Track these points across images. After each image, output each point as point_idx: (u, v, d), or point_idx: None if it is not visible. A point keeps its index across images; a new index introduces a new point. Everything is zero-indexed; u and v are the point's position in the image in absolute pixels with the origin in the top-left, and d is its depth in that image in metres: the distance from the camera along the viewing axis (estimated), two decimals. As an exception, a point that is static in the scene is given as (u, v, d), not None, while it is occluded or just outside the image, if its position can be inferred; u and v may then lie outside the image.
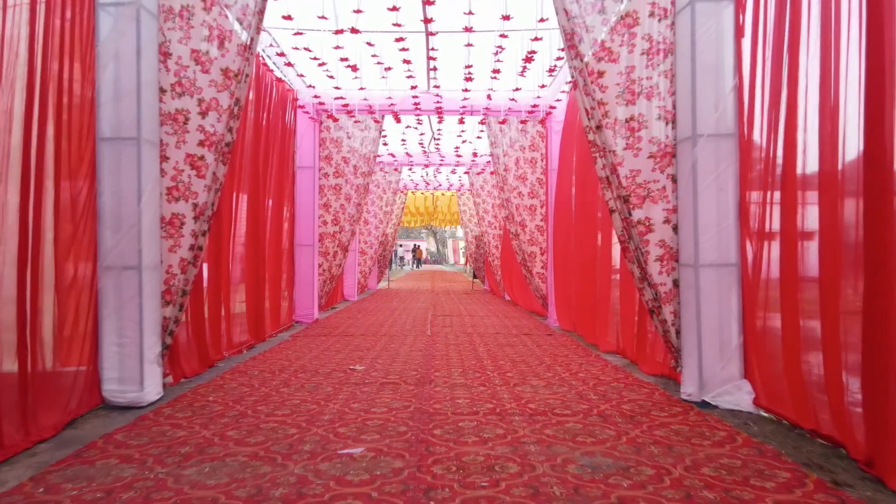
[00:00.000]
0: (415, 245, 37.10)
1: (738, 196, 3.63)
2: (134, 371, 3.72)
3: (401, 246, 40.83)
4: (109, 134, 3.71)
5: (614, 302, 6.09)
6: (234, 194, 6.11)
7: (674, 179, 3.84)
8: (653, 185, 3.86)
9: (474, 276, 19.24)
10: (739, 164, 3.62)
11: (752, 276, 3.52)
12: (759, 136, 3.48)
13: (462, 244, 37.21)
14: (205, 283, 5.39)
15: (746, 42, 3.56)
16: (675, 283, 3.84)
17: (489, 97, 6.98)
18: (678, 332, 3.85)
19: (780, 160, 3.29)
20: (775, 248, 3.36)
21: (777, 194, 3.32)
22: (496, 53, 5.70)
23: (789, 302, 3.15)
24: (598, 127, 3.92)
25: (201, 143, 3.88)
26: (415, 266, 29.94)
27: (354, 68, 5.93)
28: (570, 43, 3.91)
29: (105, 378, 3.71)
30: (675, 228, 3.84)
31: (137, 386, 3.70)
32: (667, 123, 3.84)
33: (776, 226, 3.33)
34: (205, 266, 5.43)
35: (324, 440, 3.02)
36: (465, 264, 29.92)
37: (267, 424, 3.29)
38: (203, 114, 3.89)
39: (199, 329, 5.07)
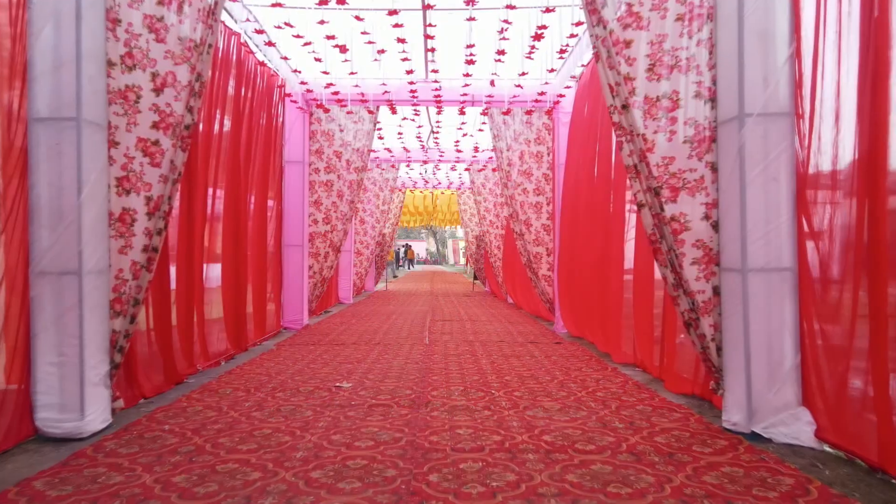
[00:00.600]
0: (406, 245, 36.21)
1: (794, 187, 3.03)
2: (73, 396, 3.12)
3: (401, 248, 40.20)
4: (46, 114, 3.11)
5: (628, 307, 5.51)
6: (211, 190, 5.53)
7: (713, 168, 3.24)
8: (689, 175, 3.26)
9: (475, 278, 18.63)
10: (797, 149, 3.02)
11: (814, 282, 2.92)
12: (822, 114, 2.88)
13: (462, 244, 36.59)
14: (173, 286, 4.81)
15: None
16: (716, 291, 3.24)
17: (492, 83, 6.39)
18: (719, 349, 3.25)
19: (849, 144, 2.69)
20: (839, 249, 2.76)
21: (842, 184, 2.73)
22: (501, 31, 5.10)
23: (869, 314, 2.55)
24: (625, 106, 3.32)
25: (156, 126, 3.28)
26: (408, 266, 29.21)
27: (343, 49, 5.33)
28: (592, 7, 3.31)
29: (38, 404, 3.11)
30: (716, 226, 3.24)
31: (77, 413, 3.11)
32: (706, 102, 3.25)
33: (844, 222, 2.74)
34: (173, 268, 4.85)
35: (291, 490, 2.42)
36: (466, 265, 29.32)
37: (225, 466, 2.69)
38: (158, 90, 3.29)
39: (165, 339, 4.47)
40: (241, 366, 5.23)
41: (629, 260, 5.42)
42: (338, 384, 4.39)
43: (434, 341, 6.67)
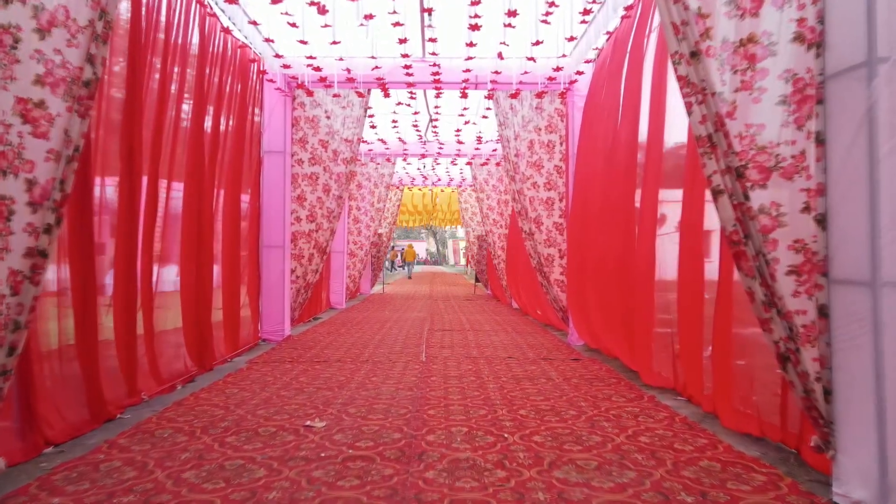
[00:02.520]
0: (401, 249, 34.68)
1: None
2: (-83, 460, 2.20)
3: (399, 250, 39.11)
4: None
5: (662, 317, 4.60)
6: (165, 182, 4.62)
7: (819, 140, 2.31)
8: (783, 150, 2.34)
9: (476, 280, 17.71)
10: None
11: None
12: None
13: (462, 245, 35.61)
14: (109, 292, 3.92)
15: None
16: (822, 312, 2.31)
17: (500, 55, 5.46)
18: (828, 393, 2.32)
19: None
20: None
21: None
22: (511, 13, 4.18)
23: None
24: (694, 54, 2.40)
25: (40, 81, 2.35)
26: (407, 270, 27.93)
27: (322, 9, 4.40)
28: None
29: None
30: (821, 221, 2.31)
31: (-78, 486, 2.19)
32: (809, 48, 2.32)
33: None
34: (110, 273, 3.95)
35: None
36: (466, 265, 28.36)
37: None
38: (44, 31, 2.36)
39: (90, 363, 3.54)
40: (197, 392, 4.30)
41: (664, 262, 4.52)
42: (308, 423, 3.47)
43: (432, 358, 5.74)
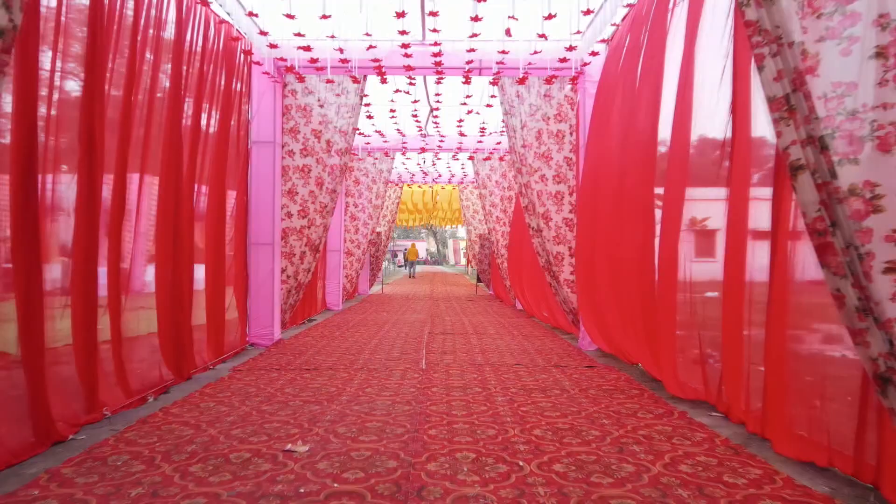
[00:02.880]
0: (404, 249, 34.03)
1: None
2: None
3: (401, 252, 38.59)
4: None
5: (682, 319, 4.12)
6: (138, 176, 4.18)
7: (925, 102, 1.81)
8: (881, 116, 1.85)
9: (478, 280, 17.21)
10: None
11: None
12: None
13: (463, 244, 35.04)
14: (68, 296, 3.44)
15: None
16: (930, 320, 1.82)
17: (508, 31, 4.95)
18: (938, 424, 1.83)
19: None
20: None
21: None
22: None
23: None
24: (766, -7, 1.91)
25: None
26: (408, 269, 27.28)
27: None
28: None
29: None
30: (929, 205, 1.81)
31: None
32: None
33: None
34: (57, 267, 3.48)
35: None
36: (467, 265, 27.81)
37: None
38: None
39: (35, 375, 3.04)
40: (168, 406, 3.81)
41: (692, 262, 4.04)
42: (289, 447, 2.97)
43: (433, 365, 5.24)
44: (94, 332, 3.66)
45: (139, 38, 4.03)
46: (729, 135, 3.48)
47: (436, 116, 8.34)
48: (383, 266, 17.74)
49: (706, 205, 4.16)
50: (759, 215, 3.17)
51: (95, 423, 3.48)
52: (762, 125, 3.03)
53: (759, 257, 3.05)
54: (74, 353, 3.57)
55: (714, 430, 3.27)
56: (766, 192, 3.07)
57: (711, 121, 3.78)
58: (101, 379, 3.73)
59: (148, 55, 4.20)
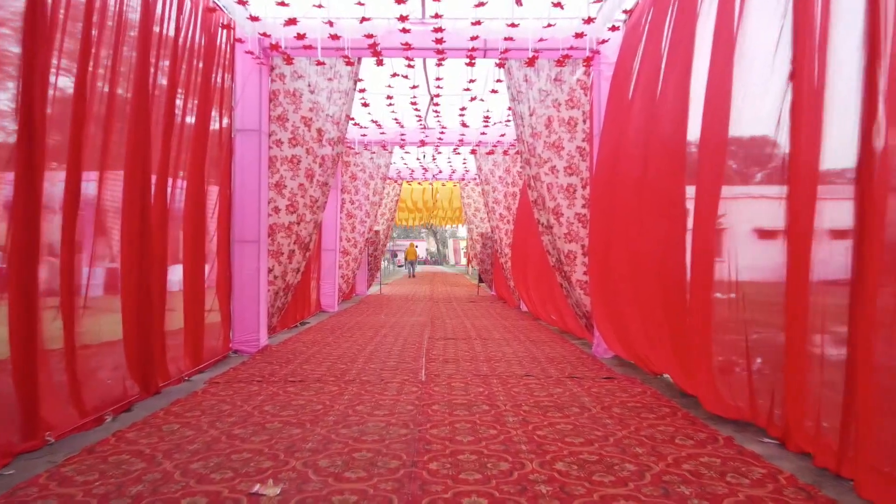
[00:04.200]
0: (403, 250, 33.33)
1: None
2: None
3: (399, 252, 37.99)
4: None
5: (722, 327, 3.57)
6: (97, 174, 3.64)
7: None
8: None
9: (480, 280, 16.66)
10: None
11: None
12: None
13: (463, 244, 34.41)
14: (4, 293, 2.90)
15: None
16: None
17: (518, 1, 4.39)
18: None
19: None
20: None
21: None
22: None
23: None
24: None
25: None
26: (409, 269, 26.71)
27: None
28: None
29: None
30: None
31: None
32: None
33: None
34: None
35: None
36: (468, 265, 27.23)
37: None
38: None
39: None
40: (124, 430, 3.25)
41: (735, 262, 3.48)
42: (257, 488, 2.41)
43: (433, 376, 4.68)
44: (34, 339, 3.11)
45: (97, 5, 3.48)
46: (787, 116, 2.93)
47: (436, 104, 7.78)
48: (382, 266, 17.17)
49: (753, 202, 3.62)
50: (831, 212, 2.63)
51: (34, 451, 2.93)
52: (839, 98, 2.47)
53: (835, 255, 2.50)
54: (12, 365, 3.03)
55: (772, 463, 2.72)
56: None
57: (762, 99, 3.22)
58: (47, 396, 3.18)
59: (109, 23, 3.66)
